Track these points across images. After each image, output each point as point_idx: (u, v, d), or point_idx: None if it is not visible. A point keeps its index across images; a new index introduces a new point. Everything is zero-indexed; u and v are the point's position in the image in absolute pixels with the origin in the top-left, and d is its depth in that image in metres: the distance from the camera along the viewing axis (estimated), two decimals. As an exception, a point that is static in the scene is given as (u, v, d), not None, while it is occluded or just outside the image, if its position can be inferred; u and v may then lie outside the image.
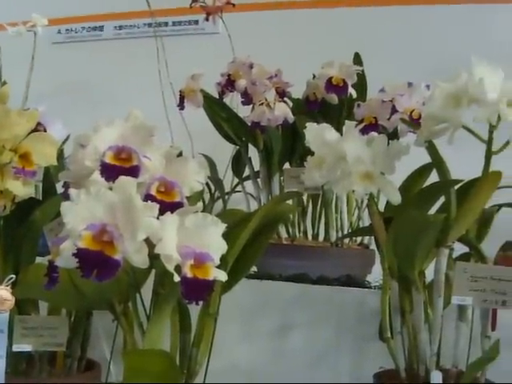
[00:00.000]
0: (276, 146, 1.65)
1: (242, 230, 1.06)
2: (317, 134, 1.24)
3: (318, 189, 1.54)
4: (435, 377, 1.19)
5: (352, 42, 1.80)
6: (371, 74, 1.70)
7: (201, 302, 0.94)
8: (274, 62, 1.72)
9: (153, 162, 1.05)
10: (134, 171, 1.02)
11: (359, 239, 1.68)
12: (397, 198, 1.17)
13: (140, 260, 0.90)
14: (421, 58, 2.08)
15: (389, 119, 1.55)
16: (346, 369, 1.50)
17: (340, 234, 1.65)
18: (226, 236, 0.99)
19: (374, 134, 1.24)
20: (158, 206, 0.91)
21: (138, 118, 1.08)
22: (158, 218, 0.91)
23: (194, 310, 1.09)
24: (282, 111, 1.59)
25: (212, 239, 0.95)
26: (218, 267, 0.96)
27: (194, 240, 0.93)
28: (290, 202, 1.67)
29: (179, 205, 1.02)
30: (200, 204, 1.01)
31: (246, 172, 1.83)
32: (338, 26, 2.23)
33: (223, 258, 0.97)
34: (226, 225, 0.97)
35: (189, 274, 0.90)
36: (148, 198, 1.00)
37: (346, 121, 1.23)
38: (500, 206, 1.64)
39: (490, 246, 1.72)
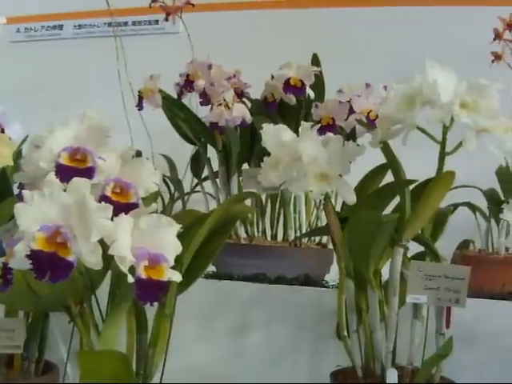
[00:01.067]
0: (234, 146, 1.65)
1: (198, 231, 1.06)
2: (273, 134, 1.25)
3: (276, 189, 1.55)
4: (391, 374, 1.21)
5: (310, 43, 1.80)
6: (330, 75, 1.71)
7: (156, 303, 0.95)
8: (234, 63, 1.73)
9: (108, 163, 1.05)
10: (88, 172, 1.02)
11: (318, 239, 1.70)
12: (352, 198, 1.18)
13: (94, 261, 0.90)
14: (379, 59, 2.10)
15: (346, 120, 1.56)
16: (304, 367, 1.50)
17: (298, 234, 1.66)
18: (181, 236, 0.99)
19: (330, 134, 1.25)
20: (111, 207, 0.91)
21: (93, 118, 1.08)
22: (112, 220, 0.92)
23: (151, 310, 1.09)
24: (240, 112, 1.59)
25: (166, 240, 0.95)
26: (173, 268, 0.96)
27: (149, 241, 0.93)
28: (248, 201, 1.69)
29: (134, 206, 1.02)
30: (155, 205, 1.01)
31: (206, 172, 1.84)
32: (297, 28, 2.24)
33: (178, 259, 0.98)
34: (180, 225, 0.97)
35: (143, 275, 0.90)
36: (103, 199, 1.00)
37: (302, 121, 1.23)
38: (456, 205, 1.67)
39: (448, 245, 1.75)
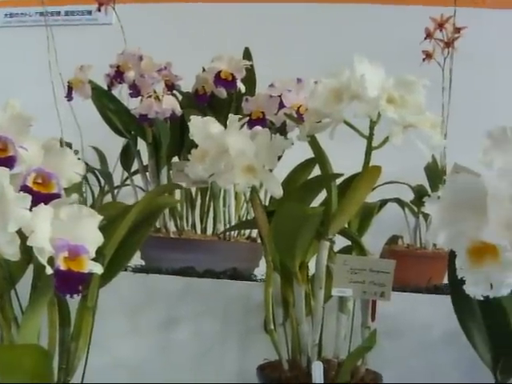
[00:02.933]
0: (164, 139, 1.63)
1: (121, 223, 1.05)
2: (201, 126, 1.24)
3: (205, 182, 1.54)
4: (316, 367, 1.21)
5: (243, 37, 1.80)
6: (262, 70, 1.71)
7: (78, 295, 0.93)
8: (166, 55, 1.71)
9: (30, 153, 1.02)
10: (9, 161, 1.00)
11: (247, 233, 1.69)
12: (278, 192, 1.18)
13: (11, 252, 0.88)
14: (311, 54, 2.10)
15: (276, 114, 1.56)
16: (232, 361, 1.50)
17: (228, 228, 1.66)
18: (104, 228, 0.98)
19: (258, 127, 1.25)
20: (30, 196, 0.89)
21: (16, 107, 1.05)
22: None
23: (76, 303, 1.07)
24: (170, 104, 1.58)
25: (87, 231, 0.93)
26: (95, 259, 0.94)
27: (69, 232, 0.91)
28: (178, 195, 1.68)
29: (56, 196, 1.00)
30: (76, 195, 0.99)
31: (136, 165, 1.81)
32: (230, 21, 2.23)
33: (100, 251, 0.96)
34: (102, 217, 0.96)
35: (62, 267, 0.89)
36: (24, 189, 0.98)
37: (230, 114, 1.22)
38: (386, 201, 1.69)
39: (378, 240, 1.77)
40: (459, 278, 0.83)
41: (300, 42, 2.17)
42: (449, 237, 0.86)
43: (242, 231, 1.69)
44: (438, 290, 1.49)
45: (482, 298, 0.82)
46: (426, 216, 1.71)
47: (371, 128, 1.17)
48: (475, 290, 0.82)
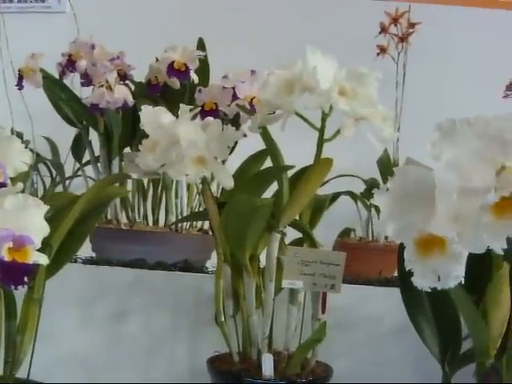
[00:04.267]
0: (116, 129, 1.61)
1: (68, 213, 1.03)
2: (152, 116, 1.23)
3: (157, 173, 1.52)
4: (266, 359, 1.21)
5: (197, 27, 1.79)
6: (217, 61, 1.70)
7: (23, 287, 0.91)
8: (119, 44, 1.69)
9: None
10: (-47, 150, 0.97)
11: (199, 225, 1.68)
12: (229, 183, 1.18)
13: (-47, 242, 0.86)
14: (267, 46, 2.09)
15: (229, 105, 1.55)
16: (183, 354, 1.49)
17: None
18: (52, 218, 0.96)
19: (209, 118, 1.24)
20: (-27, 186, 0.87)
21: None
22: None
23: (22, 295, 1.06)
24: (122, 94, 1.56)
25: (33, 221, 0.91)
26: (41, 250, 0.93)
27: (14, 222, 0.90)
28: (129, 186, 1.67)
29: (1, 185, 0.98)
30: (21, 185, 0.97)
31: (88, 156, 1.79)
32: (184, 11, 2.21)
33: (47, 241, 0.95)
34: (48, 207, 0.94)
35: (6, 258, 0.87)
36: (-33, 178, 0.96)
37: (181, 104, 1.21)
38: (338, 194, 1.69)
39: (331, 233, 1.78)
40: (407, 270, 0.83)
41: (255, 33, 2.16)
42: (397, 229, 0.86)
43: (194, 223, 1.68)
44: (389, 283, 1.50)
45: (429, 290, 0.82)
46: (378, 209, 1.71)
47: (323, 120, 1.17)
48: (423, 281, 0.83)
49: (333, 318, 1.31)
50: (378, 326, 1.46)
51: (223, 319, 1.28)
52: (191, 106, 1.23)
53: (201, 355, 1.33)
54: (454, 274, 0.81)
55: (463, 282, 0.89)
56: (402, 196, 0.85)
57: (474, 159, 0.81)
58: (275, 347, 1.27)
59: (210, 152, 1.17)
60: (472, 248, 0.81)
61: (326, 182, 1.40)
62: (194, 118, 1.32)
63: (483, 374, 0.95)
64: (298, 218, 1.27)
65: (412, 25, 1.85)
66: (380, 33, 1.86)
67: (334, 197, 1.57)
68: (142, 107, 1.25)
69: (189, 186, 1.66)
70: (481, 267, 0.92)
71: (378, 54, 1.86)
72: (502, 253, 0.80)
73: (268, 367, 1.20)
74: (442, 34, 2.06)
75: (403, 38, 1.85)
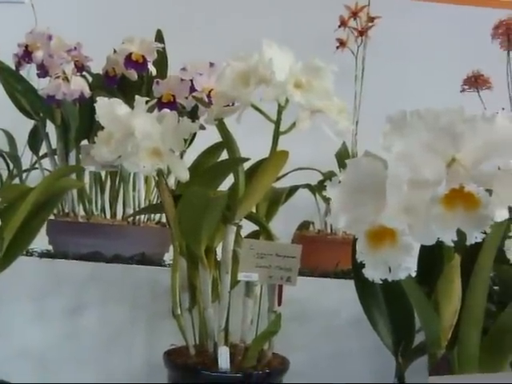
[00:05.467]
0: (73, 121, 1.60)
1: (21, 205, 1.02)
2: (107, 108, 1.22)
3: (114, 166, 1.51)
4: (222, 352, 1.21)
5: (156, 19, 1.78)
6: (175, 53, 1.69)
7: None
8: (77, 36, 1.67)
9: None
10: None
11: (157, 217, 1.67)
12: (185, 175, 1.17)
13: None
14: (226, 39, 2.09)
15: (187, 98, 1.55)
16: (140, 347, 1.49)
17: (137, 213, 1.64)
18: (3, 211, 0.95)
19: (165, 110, 1.23)
20: None
21: None
22: None
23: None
24: (79, 85, 1.55)
25: (-18, 213, 0.90)
26: (-7, 243, 0.92)
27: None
28: (87, 178, 1.65)
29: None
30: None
31: (45, 149, 1.77)
32: (143, 2, 2.19)
33: (-2, 234, 0.94)
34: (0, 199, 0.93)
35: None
36: None
37: (137, 96, 1.20)
38: (297, 187, 1.69)
39: (291, 226, 1.78)
40: (359, 261, 0.83)
41: (214, 25, 2.15)
42: (349, 221, 0.86)
43: (153, 216, 1.67)
44: (346, 275, 1.50)
45: (380, 282, 0.83)
46: (329, 201, 1.72)
47: (279, 113, 1.17)
48: (374, 273, 0.83)
49: (290, 310, 1.32)
50: (334, 318, 1.46)
51: (179, 312, 1.27)
52: (147, 98, 1.22)
53: (158, 348, 1.33)
54: (405, 266, 0.81)
55: (415, 274, 0.90)
56: (353, 188, 0.85)
57: (424, 151, 0.81)
58: (232, 340, 1.27)
59: (165, 144, 1.16)
60: (422, 240, 0.81)
61: (285, 174, 1.40)
62: (151, 110, 1.31)
63: (435, 364, 0.96)
64: (254, 210, 1.27)
65: (371, 19, 1.86)
66: (339, 26, 1.87)
67: (293, 190, 1.57)
68: (98, 99, 1.24)
69: (147, 179, 1.65)
70: (432, 259, 0.93)
71: (337, 47, 1.87)
72: (452, 244, 0.80)
73: (224, 360, 1.20)
74: (401, 28, 2.08)
75: (362, 32, 1.85)
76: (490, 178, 0.81)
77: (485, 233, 0.78)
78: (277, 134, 1.18)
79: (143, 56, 1.58)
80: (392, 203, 0.80)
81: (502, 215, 0.83)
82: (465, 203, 0.78)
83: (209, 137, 1.38)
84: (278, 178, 1.33)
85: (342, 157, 1.73)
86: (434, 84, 1.98)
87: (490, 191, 0.79)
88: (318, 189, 1.71)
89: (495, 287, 1.25)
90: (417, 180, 0.81)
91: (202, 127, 1.45)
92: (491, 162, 0.82)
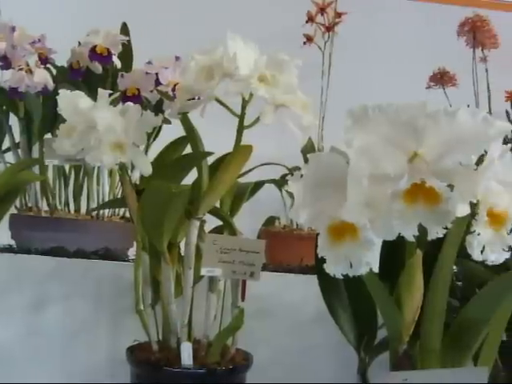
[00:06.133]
0: (36, 114, 1.57)
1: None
2: (69, 101, 1.20)
3: (78, 159, 1.49)
4: (185, 348, 1.20)
5: (122, 12, 1.76)
6: (141, 46, 1.68)
7: None
8: (42, 28, 1.65)
9: None
10: None
11: (122, 212, 1.66)
12: (147, 169, 1.16)
13: None
14: (192, 33, 2.08)
15: (152, 91, 1.54)
16: (103, 343, 1.47)
17: (103, 207, 1.62)
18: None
19: (129, 103, 1.22)
20: None
21: None
22: None
23: None
24: (42, 78, 1.53)
25: None
26: None
27: None
28: (50, 172, 1.63)
29: None
30: None
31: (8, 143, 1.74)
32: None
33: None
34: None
35: None
36: None
37: (99, 89, 1.19)
38: (263, 182, 1.68)
39: (256, 221, 1.77)
40: (320, 256, 0.83)
41: (181, 19, 2.14)
42: (310, 215, 0.86)
43: (117, 210, 1.66)
44: (311, 270, 1.50)
45: (341, 277, 0.82)
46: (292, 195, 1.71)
47: (243, 107, 1.16)
48: (335, 268, 0.83)
49: (255, 305, 1.32)
50: (299, 314, 1.46)
51: (142, 308, 1.26)
52: (110, 91, 1.21)
53: (121, 344, 1.32)
54: (366, 261, 0.81)
55: (378, 269, 0.90)
56: (315, 183, 0.85)
57: (385, 146, 0.81)
58: (195, 336, 1.26)
59: (127, 138, 1.15)
60: (383, 235, 0.81)
61: (251, 169, 1.40)
62: (116, 103, 1.29)
63: (396, 359, 0.96)
64: (218, 205, 1.26)
65: (339, 14, 1.86)
66: (307, 22, 1.86)
67: (258, 185, 1.56)
68: (60, 91, 1.23)
69: (111, 173, 1.63)
70: (394, 254, 0.92)
71: (304, 43, 1.86)
72: (414, 240, 0.80)
73: (187, 356, 1.20)
74: (368, 25, 2.08)
75: (330, 28, 1.85)
76: (451, 173, 0.81)
77: (446, 228, 0.78)
78: (241, 129, 1.17)
79: (108, 49, 1.56)
80: (353, 198, 0.80)
81: (463, 210, 0.83)
82: (426, 198, 0.78)
83: (177, 131, 1.37)
84: (244, 173, 1.33)
85: (308, 152, 1.72)
86: (400, 80, 1.98)
87: (451, 186, 0.79)
88: (282, 184, 1.70)
89: (459, 283, 1.26)
90: (378, 175, 0.80)
91: (168, 121, 1.44)
92: (453, 157, 0.81)
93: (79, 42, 1.62)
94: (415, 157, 0.81)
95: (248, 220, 1.43)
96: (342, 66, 1.81)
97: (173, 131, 1.39)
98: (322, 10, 1.86)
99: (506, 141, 1.13)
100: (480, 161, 0.84)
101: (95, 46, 1.56)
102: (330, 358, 1.44)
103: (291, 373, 1.43)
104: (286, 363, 1.44)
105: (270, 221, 1.80)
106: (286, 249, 1.62)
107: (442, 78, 1.76)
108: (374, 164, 0.80)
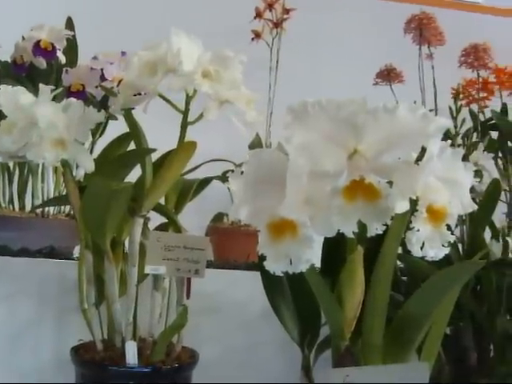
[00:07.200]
0: (-22, 110, 1.55)
1: None
2: (10, 96, 1.18)
3: (22, 156, 1.47)
4: (129, 347, 1.19)
5: (67, 6, 1.74)
6: (88, 41, 1.66)
7: None
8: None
9: None
10: None
11: (67, 210, 1.64)
12: (90, 166, 1.14)
13: None
14: (139, 29, 2.06)
15: (97, 87, 1.52)
16: (48, 342, 1.45)
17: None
18: None
19: (71, 99, 1.20)
20: None
21: None
22: None
23: None
24: (-16, 73, 1.50)
25: None
26: None
27: None
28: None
29: None
30: None
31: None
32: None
33: None
34: None
35: None
36: None
37: (41, 84, 1.17)
38: (211, 178, 1.68)
39: (204, 218, 1.76)
40: (260, 254, 0.83)
41: (129, 14, 2.12)
42: (250, 212, 0.85)
43: (62, 208, 1.64)
44: (257, 267, 1.50)
45: (281, 275, 0.82)
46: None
47: (187, 103, 1.16)
48: (275, 266, 0.82)
49: (201, 303, 1.31)
50: (246, 311, 1.46)
51: (86, 307, 1.25)
52: (52, 86, 1.19)
53: (66, 344, 1.30)
54: (306, 258, 0.81)
55: (319, 266, 0.90)
56: (255, 180, 0.84)
57: (325, 142, 0.80)
58: (140, 334, 1.25)
59: (70, 134, 1.13)
60: (323, 232, 0.81)
61: (198, 166, 1.39)
62: (60, 99, 1.27)
63: (339, 356, 0.96)
64: (164, 202, 1.25)
65: (287, 11, 1.86)
66: (255, 18, 1.86)
67: (205, 181, 1.55)
68: (1, 87, 1.20)
69: (56, 170, 1.61)
70: (335, 251, 0.93)
71: (252, 39, 1.86)
72: (353, 236, 0.80)
73: (131, 355, 1.19)
74: (316, 21, 2.08)
75: (278, 24, 1.85)
76: (391, 170, 0.81)
77: (386, 225, 0.78)
78: (185, 125, 1.16)
79: (52, 44, 1.55)
80: (292, 195, 0.80)
81: (402, 207, 0.83)
82: (365, 195, 0.78)
83: (125, 127, 1.36)
84: (191, 170, 1.32)
85: (255, 147, 1.73)
86: (347, 77, 1.99)
87: (391, 183, 0.80)
88: (226, 180, 1.69)
89: (403, 278, 1.27)
90: (317, 171, 0.80)
91: (114, 117, 1.43)
92: (393, 153, 0.81)
93: (23, 37, 1.60)
94: (355, 153, 0.81)
95: (196, 217, 1.42)
96: (290, 62, 1.81)
97: (120, 127, 1.38)
98: (270, 6, 1.86)
99: (448, 137, 1.14)
100: (421, 157, 0.85)
101: (39, 41, 1.55)
102: (276, 355, 1.44)
103: (238, 369, 1.43)
104: (233, 361, 1.44)
105: (218, 217, 1.80)
106: (234, 245, 1.62)
107: (388, 75, 1.76)
108: (314, 161, 0.80)
